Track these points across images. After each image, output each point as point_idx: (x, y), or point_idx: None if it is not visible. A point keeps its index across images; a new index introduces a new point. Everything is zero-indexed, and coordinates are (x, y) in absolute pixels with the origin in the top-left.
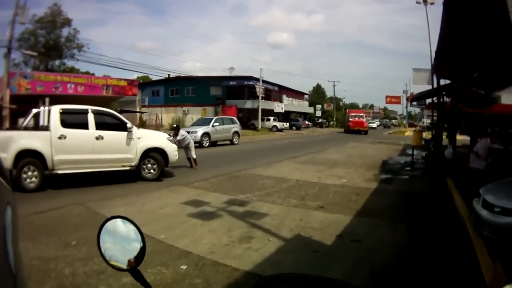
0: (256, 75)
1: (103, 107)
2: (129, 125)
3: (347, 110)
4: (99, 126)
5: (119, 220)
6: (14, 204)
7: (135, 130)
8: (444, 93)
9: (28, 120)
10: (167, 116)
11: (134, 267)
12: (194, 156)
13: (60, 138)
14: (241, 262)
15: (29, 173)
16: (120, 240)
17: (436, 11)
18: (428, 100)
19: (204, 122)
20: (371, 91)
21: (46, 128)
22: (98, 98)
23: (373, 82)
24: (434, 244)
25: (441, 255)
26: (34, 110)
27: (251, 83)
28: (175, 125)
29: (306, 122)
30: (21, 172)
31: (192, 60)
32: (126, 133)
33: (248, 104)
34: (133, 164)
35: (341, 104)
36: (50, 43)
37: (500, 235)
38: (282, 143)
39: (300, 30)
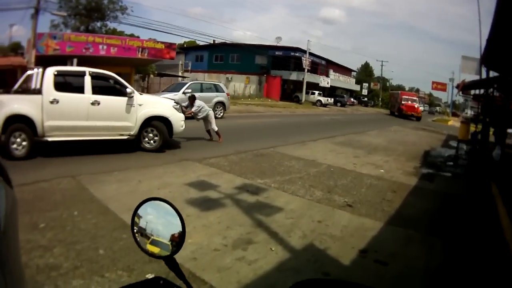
0: (305, 48)
1: (140, 69)
2: (129, 90)
3: (400, 92)
4: (97, 90)
5: (159, 202)
6: (13, 202)
7: (136, 95)
8: (495, 85)
9: (21, 83)
10: None
11: (169, 255)
12: (216, 128)
13: (52, 102)
14: (223, 280)
15: (18, 140)
16: (159, 223)
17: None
18: (474, 92)
19: (176, 87)
20: (417, 75)
21: (38, 91)
22: (133, 60)
23: (420, 67)
24: (472, 273)
25: None
26: (28, 72)
27: (297, 54)
28: (190, 95)
29: (352, 99)
30: (9, 138)
31: (242, 29)
32: (126, 98)
33: (293, 76)
34: (132, 133)
35: (388, 85)
36: (92, 5)
37: None
38: (323, 119)
39: (352, 8)
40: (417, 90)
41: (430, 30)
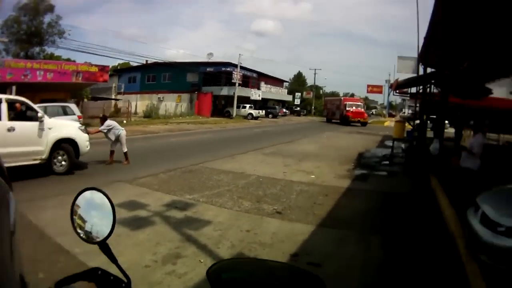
0: (236, 62)
1: (75, 93)
2: (40, 114)
3: (342, 98)
4: (12, 116)
5: (94, 191)
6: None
7: (46, 119)
8: (433, 81)
9: None
10: (141, 103)
11: (103, 240)
12: (125, 150)
13: None
14: None
15: None
16: (95, 212)
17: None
18: (412, 90)
19: None
20: (353, 80)
21: None
22: (69, 84)
23: (356, 72)
24: (414, 269)
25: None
26: None
27: (228, 69)
28: (101, 115)
29: (284, 110)
30: None
31: (176, 47)
32: (37, 123)
33: (224, 91)
34: (43, 157)
35: (321, 93)
36: (32, 30)
37: (503, 263)
38: (254, 132)
39: (286, 19)
40: (352, 95)
41: (367, 35)
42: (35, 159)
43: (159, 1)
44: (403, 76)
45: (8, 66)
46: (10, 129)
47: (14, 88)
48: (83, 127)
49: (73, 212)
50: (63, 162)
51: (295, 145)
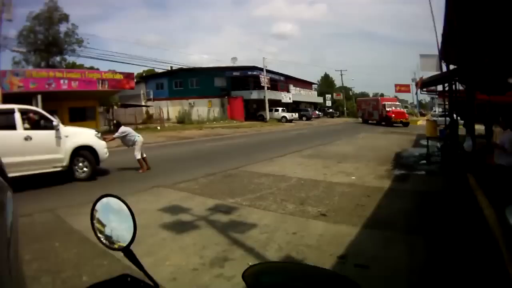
0: (261, 66)
1: (102, 101)
2: (55, 123)
3: (379, 98)
4: (27, 125)
5: (112, 198)
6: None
7: (62, 128)
8: (456, 78)
9: None
10: (173, 109)
11: (126, 246)
12: (138, 157)
13: None
14: None
15: None
16: (114, 218)
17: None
18: (439, 88)
19: None
20: (379, 80)
21: None
22: (95, 92)
23: (381, 71)
24: (459, 270)
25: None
26: None
27: (255, 73)
28: (115, 121)
29: (317, 112)
30: None
31: (198, 53)
32: (54, 131)
33: (254, 95)
34: (64, 164)
35: (351, 94)
36: (50, 39)
37: None
38: (290, 134)
39: (304, 21)
40: (382, 95)
41: (388, 34)
42: (55, 167)
43: (174, 8)
44: (428, 74)
45: (29, 75)
46: (27, 138)
47: (39, 97)
48: (99, 134)
49: (92, 217)
50: (84, 169)
51: (333, 147)
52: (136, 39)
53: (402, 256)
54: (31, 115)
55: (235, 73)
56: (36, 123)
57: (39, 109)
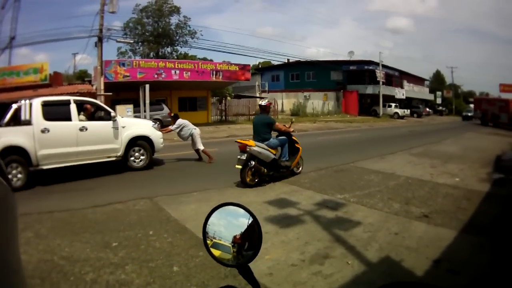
0: (377, 60)
1: (216, 92)
2: (113, 114)
3: (511, 100)
4: (83, 116)
5: (231, 207)
6: (12, 203)
7: (119, 119)
8: None
9: (10, 116)
10: (287, 101)
11: (244, 262)
12: (201, 148)
13: (43, 131)
14: None
15: (13, 172)
16: (232, 229)
17: None
18: None
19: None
20: (483, 79)
21: (28, 122)
22: (208, 83)
23: (485, 70)
24: None
25: None
26: (14, 105)
27: (371, 67)
28: (173, 114)
29: (427, 109)
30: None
31: (314, 46)
32: (110, 122)
33: (369, 90)
34: (118, 154)
35: (459, 92)
36: (159, 31)
37: None
38: (401, 131)
39: (416, 15)
40: (487, 94)
41: (493, 31)
42: (110, 156)
43: (291, 0)
44: None
45: (137, 65)
46: (82, 129)
47: (147, 86)
48: (155, 125)
49: (205, 229)
50: (141, 157)
51: (441, 146)
52: (251, 31)
53: (492, 263)
54: (87, 106)
55: (351, 67)
56: (92, 114)
57: (97, 101)
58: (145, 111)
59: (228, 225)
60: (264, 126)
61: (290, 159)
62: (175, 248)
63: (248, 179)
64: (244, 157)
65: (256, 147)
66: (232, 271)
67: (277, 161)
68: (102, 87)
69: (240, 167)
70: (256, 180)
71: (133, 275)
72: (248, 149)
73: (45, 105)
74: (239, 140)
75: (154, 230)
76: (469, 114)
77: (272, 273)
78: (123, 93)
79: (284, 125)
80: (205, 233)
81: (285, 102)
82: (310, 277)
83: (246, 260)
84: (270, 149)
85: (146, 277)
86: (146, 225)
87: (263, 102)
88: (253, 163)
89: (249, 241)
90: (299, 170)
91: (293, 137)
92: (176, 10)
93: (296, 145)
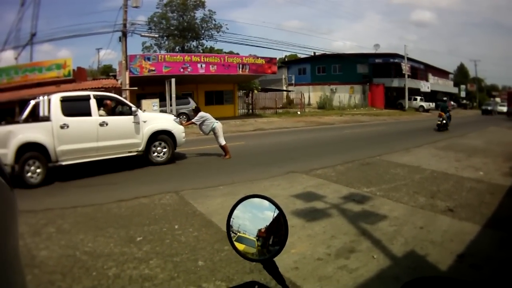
0: (403, 53)
1: (243, 85)
2: (133, 108)
3: None
4: (103, 112)
5: (256, 199)
6: (10, 199)
7: (140, 113)
8: None
9: (28, 112)
10: (314, 94)
11: (269, 257)
12: (223, 143)
13: (62, 127)
14: None
15: (32, 168)
16: (256, 222)
17: None
18: None
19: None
20: (504, 72)
21: (47, 118)
22: (234, 76)
23: (507, 63)
24: None
25: None
26: (32, 102)
27: (396, 60)
28: (194, 106)
29: (452, 102)
30: (24, 167)
31: (340, 39)
32: (131, 117)
33: (395, 83)
34: (139, 149)
35: (483, 85)
36: (184, 25)
37: None
38: (427, 124)
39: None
40: (510, 88)
41: None
42: (131, 151)
43: None
44: None
45: (162, 60)
46: (102, 124)
47: (173, 80)
48: (177, 119)
49: (229, 223)
50: (164, 150)
51: (465, 140)
52: (276, 24)
53: None
54: (108, 102)
55: (377, 60)
56: (113, 109)
57: (117, 96)
58: (171, 105)
59: (253, 218)
60: None
61: None
62: (200, 242)
63: None
64: None
65: None
66: (257, 265)
67: None
68: (127, 81)
69: None
70: None
71: (157, 269)
72: None
73: (64, 100)
74: None
75: (180, 224)
76: (489, 108)
77: (298, 267)
78: (148, 87)
79: None
80: (229, 226)
81: (311, 95)
82: (335, 272)
83: (271, 254)
84: None
85: (170, 272)
86: (172, 219)
87: None
88: None
89: (275, 235)
90: None
91: None
92: (201, 4)
93: None
